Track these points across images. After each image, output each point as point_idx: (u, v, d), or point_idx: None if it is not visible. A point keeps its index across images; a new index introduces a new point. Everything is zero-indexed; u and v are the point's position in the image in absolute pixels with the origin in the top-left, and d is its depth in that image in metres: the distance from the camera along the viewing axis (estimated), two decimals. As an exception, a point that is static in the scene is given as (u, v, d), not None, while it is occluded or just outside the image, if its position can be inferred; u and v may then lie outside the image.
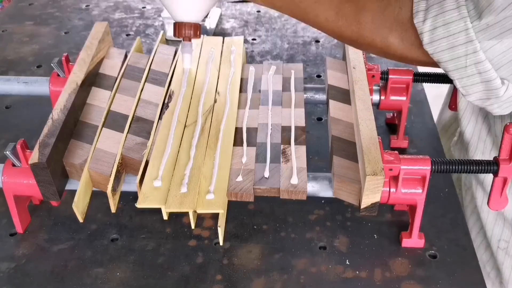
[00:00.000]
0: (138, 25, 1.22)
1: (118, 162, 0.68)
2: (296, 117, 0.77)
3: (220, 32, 1.19)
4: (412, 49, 0.56)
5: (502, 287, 0.82)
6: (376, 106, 0.83)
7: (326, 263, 0.69)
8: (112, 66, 0.86)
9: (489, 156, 0.80)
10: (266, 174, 0.68)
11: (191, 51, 0.79)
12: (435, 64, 0.55)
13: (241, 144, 0.73)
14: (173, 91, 0.80)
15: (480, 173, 0.64)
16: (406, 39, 0.56)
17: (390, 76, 0.81)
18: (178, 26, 0.73)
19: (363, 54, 0.83)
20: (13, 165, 0.68)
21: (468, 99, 0.56)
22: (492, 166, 0.63)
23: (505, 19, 0.48)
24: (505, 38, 0.49)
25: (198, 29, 0.74)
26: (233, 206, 0.74)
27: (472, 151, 0.82)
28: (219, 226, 0.66)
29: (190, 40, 0.76)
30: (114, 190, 0.67)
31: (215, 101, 0.79)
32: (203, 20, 1.12)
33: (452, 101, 0.91)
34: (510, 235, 0.79)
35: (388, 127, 0.92)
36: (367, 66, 0.81)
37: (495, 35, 0.50)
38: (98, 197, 0.72)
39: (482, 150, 0.81)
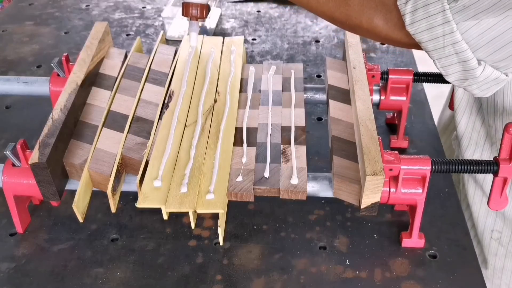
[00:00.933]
0: (138, 25, 1.22)
1: (118, 162, 0.68)
2: (296, 117, 0.77)
3: (220, 32, 1.19)
4: (395, 30, 0.58)
5: (487, 281, 0.83)
6: (376, 106, 0.83)
7: (326, 263, 0.69)
8: (112, 66, 0.86)
9: (482, 147, 0.81)
10: (266, 174, 0.68)
11: (197, 30, 0.83)
12: (418, 46, 0.58)
13: (241, 144, 0.73)
14: (173, 91, 0.80)
15: (480, 173, 0.64)
16: (390, 20, 0.58)
17: (390, 76, 0.81)
18: (186, 6, 0.78)
19: (363, 54, 0.83)
20: (13, 165, 0.68)
21: (448, 79, 0.58)
22: (492, 166, 0.63)
23: (480, 1, 0.51)
24: (481, 19, 0.51)
25: (204, 9, 0.79)
26: (233, 206, 0.74)
27: (466, 142, 0.83)
28: (219, 226, 0.66)
29: (197, 20, 0.80)
30: (114, 190, 0.67)
31: (215, 101, 0.79)
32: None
33: (452, 101, 0.91)
34: (502, 225, 0.80)
35: (388, 127, 0.92)
36: (367, 66, 0.81)
37: (470, 16, 0.52)
38: (98, 197, 0.72)
39: (476, 141, 0.82)
